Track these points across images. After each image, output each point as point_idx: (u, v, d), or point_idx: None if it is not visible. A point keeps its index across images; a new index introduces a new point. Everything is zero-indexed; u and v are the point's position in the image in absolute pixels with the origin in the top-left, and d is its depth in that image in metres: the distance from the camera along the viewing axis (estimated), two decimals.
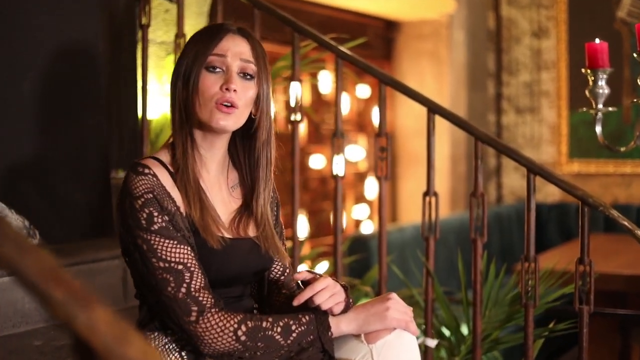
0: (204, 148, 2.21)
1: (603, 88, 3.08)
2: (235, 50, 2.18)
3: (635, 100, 3.06)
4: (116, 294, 3.09)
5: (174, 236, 2.06)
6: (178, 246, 2.06)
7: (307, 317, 2.10)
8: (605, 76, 3.07)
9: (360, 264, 4.84)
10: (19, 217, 3.02)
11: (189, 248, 2.07)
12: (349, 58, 3.35)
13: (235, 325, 2.04)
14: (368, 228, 6.99)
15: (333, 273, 3.47)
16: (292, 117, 3.42)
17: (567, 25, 7.06)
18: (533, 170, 3.03)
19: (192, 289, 2.04)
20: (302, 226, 6.29)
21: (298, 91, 3.42)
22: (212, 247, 2.10)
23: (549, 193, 7.04)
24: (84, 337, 1.03)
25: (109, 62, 3.52)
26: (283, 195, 3.67)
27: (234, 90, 2.14)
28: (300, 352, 2.09)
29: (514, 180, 7.37)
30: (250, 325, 2.05)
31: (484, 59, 7.41)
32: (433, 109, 3.23)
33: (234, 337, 2.03)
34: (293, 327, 2.08)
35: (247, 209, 2.27)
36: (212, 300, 2.06)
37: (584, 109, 3.16)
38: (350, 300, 2.20)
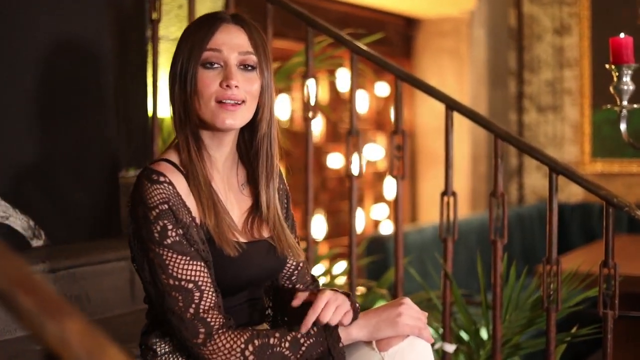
0: (213, 147, 2.11)
1: (628, 84, 3.00)
2: (232, 43, 2.06)
3: None
4: (123, 296, 3.00)
5: (187, 252, 1.97)
6: (190, 262, 1.96)
7: (315, 329, 2.00)
8: (630, 72, 2.99)
9: (377, 265, 4.75)
10: (23, 217, 2.95)
11: (202, 264, 1.98)
12: (364, 53, 3.25)
13: (243, 346, 1.95)
14: (387, 228, 6.89)
15: (349, 274, 3.38)
16: (306, 115, 3.32)
17: (589, 21, 6.95)
18: (555, 169, 2.92)
19: (201, 310, 1.96)
20: (319, 226, 6.21)
21: (312, 88, 3.32)
22: (228, 255, 2.02)
23: (572, 193, 6.92)
24: (55, 350, 0.93)
25: (116, 58, 3.43)
26: (300, 195, 3.59)
27: (236, 86, 2.03)
28: None
29: (535, 180, 7.25)
30: (257, 343, 1.96)
31: (505, 56, 7.30)
32: (451, 105, 3.12)
33: (241, 358, 1.95)
34: (302, 341, 1.99)
35: (258, 208, 2.17)
36: (221, 321, 1.97)
37: (609, 106, 3.07)
38: (357, 306, 2.10)
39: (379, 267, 4.74)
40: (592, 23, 6.94)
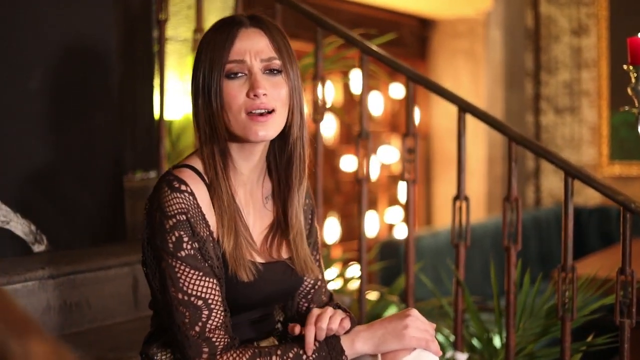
0: (240, 160, 2.02)
1: None
2: (254, 50, 1.96)
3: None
4: (126, 303, 2.94)
5: (200, 267, 1.89)
6: (203, 278, 1.89)
7: (317, 343, 1.93)
8: None
9: (391, 270, 4.67)
10: (24, 221, 2.89)
11: (214, 281, 1.91)
12: (374, 53, 3.17)
13: None
14: (401, 232, 6.81)
15: (360, 279, 3.31)
16: (315, 116, 3.25)
17: (607, 22, 6.86)
18: (571, 173, 2.83)
19: (207, 329, 1.89)
20: (333, 229, 6.15)
21: (320, 89, 3.24)
22: (242, 280, 1.94)
23: (589, 196, 6.82)
24: None
25: (122, 59, 3.37)
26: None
27: (264, 94, 1.93)
28: None
29: (552, 182, 7.16)
30: None
31: (521, 57, 7.21)
32: (464, 107, 3.04)
33: None
34: (304, 357, 1.91)
35: (279, 224, 2.09)
36: (226, 341, 1.90)
37: (626, 108, 2.97)
38: (351, 314, 2.05)
39: (392, 272, 4.66)
40: (610, 23, 6.85)
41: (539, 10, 7.23)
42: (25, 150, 2.93)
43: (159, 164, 3.53)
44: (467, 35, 6.98)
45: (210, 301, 1.89)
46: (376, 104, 6.72)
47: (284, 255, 2.08)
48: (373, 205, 6.63)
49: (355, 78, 5.97)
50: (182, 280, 1.88)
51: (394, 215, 6.92)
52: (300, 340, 1.95)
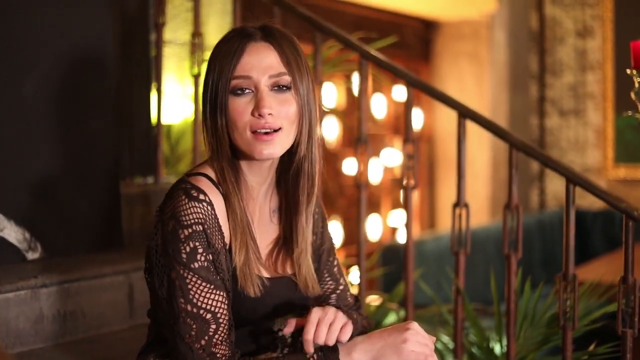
0: (251, 175, 1.98)
1: None
2: (262, 66, 1.91)
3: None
4: (121, 312, 2.90)
5: (212, 279, 1.86)
6: (214, 292, 1.86)
7: (315, 355, 1.88)
8: None
9: (392, 276, 4.63)
10: (18, 228, 2.86)
11: (224, 294, 1.88)
12: (373, 58, 3.13)
13: None
14: (404, 236, 6.75)
15: (358, 286, 3.28)
16: None
17: (613, 24, 6.82)
18: (573, 179, 2.80)
19: (212, 343, 1.86)
20: (335, 233, 6.11)
21: (320, 92, 3.22)
22: (249, 295, 1.92)
23: (594, 200, 6.74)
24: None
25: (119, 63, 3.33)
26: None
27: (269, 114, 1.88)
28: None
29: (557, 185, 7.12)
30: None
31: (526, 60, 7.18)
32: (464, 113, 3.01)
33: None
34: None
35: (285, 241, 2.06)
36: (228, 354, 1.87)
37: (629, 113, 2.93)
38: (356, 316, 2.03)
39: (394, 278, 4.62)
40: (615, 25, 6.82)
41: (543, 12, 7.19)
42: (20, 156, 2.90)
43: (157, 169, 3.51)
44: (471, 37, 6.94)
45: (218, 315, 1.86)
46: (379, 107, 6.68)
47: (289, 270, 2.06)
48: (376, 208, 6.59)
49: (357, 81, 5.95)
50: (192, 292, 1.85)
51: (397, 218, 6.87)
52: (298, 353, 1.91)
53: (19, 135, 2.90)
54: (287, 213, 2.06)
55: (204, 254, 1.85)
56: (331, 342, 1.88)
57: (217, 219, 1.89)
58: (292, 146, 1.97)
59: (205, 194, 1.87)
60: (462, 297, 3.01)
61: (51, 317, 2.67)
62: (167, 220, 1.87)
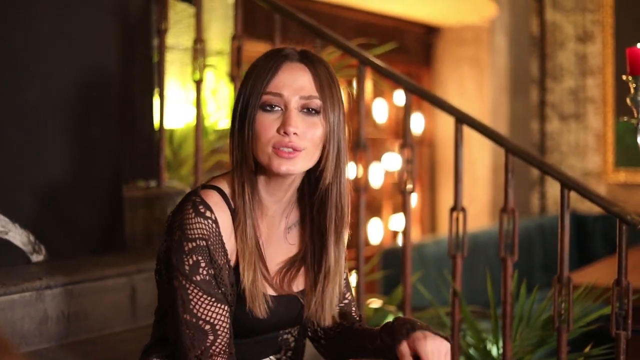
0: (268, 193, 1.98)
1: None
2: (294, 87, 1.90)
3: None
4: (124, 313, 2.95)
5: (214, 293, 1.88)
6: (214, 304, 1.88)
7: None
8: None
9: (392, 279, 4.66)
10: (23, 231, 2.90)
11: (225, 307, 1.90)
12: (372, 64, 3.17)
13: None
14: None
15: (356, 289, 3.31)
16: None
17: (613, 29, 6.85)
18: (567, 184, 2.84)
19: (209, 353, 1.88)
20: None
21: None
22: (256, 316, 1.93)
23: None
24: None
25: (121, 68, 3.37)
26: None
27: (295, 133, 1.87)
28: None
29: (557, 190, 7.06)
30: None
31: (526, 64, 7.20)
32: (461, 118, 3.05)
33: None
34: None
35: (300, 261, 2.05)
36: None
37: (625, 118, 2.96)
38: (362, 324, 2.07)
39: (394, 281, 4.65)
40: (616, 30, 6.85)
41: (544, 17, 7.22)
42: (25, 161, 2.95)
43: (159, 173, 3.54)
44: (472, 42, 6.97)
45: (217, 327, 1.89)
46: (381, 111, 6.71)
47: (295, 288, 2.05)
48: (377, 212, 6.62)
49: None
50: (192, 303, 1.87)
51: (398, 222, 6.91)
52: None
53: (23, 140, 2.95)
54: (311, 237, 2.04)
55: (206, 268, 1.87)
56: None
57: (221, 237, 1.90)
58: (316, 171, 1.96)
59: (211, 211, 1.89)
60: (460, 300, 3.05)
61: (55, 318, 2.71)
62: (175, 229, 1.90)
